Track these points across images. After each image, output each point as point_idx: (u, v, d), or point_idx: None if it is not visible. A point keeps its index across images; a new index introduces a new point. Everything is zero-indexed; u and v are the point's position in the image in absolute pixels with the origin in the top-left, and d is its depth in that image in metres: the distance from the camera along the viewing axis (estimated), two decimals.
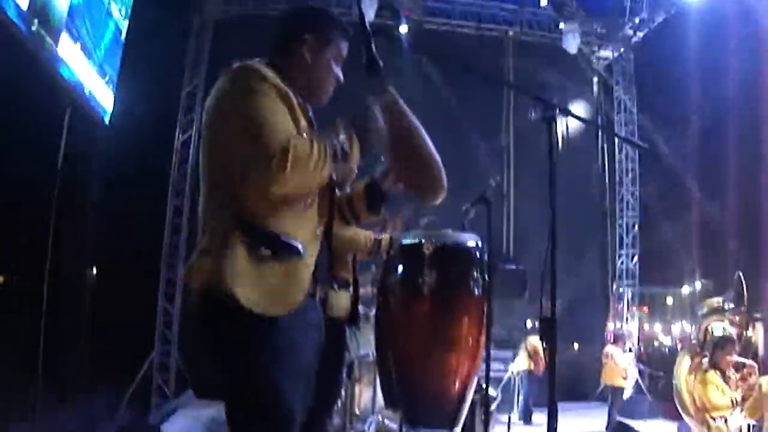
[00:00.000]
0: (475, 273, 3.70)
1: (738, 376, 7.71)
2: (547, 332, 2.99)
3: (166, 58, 12.31)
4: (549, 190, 2.95)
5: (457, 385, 3.71)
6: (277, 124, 2.56)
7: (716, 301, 8.84)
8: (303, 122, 2.75)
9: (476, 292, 3.68)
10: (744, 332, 8.51)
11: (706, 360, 7.83)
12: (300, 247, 2.64)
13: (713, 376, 7.66)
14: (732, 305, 8.33)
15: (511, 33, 14.36)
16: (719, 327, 8.18)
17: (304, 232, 2.69)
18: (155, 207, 12.55)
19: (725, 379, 7.68)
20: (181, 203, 12.53)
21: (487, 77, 3.47)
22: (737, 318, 8.50)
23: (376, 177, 2.96)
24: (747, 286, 8.82)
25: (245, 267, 2.55)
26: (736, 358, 7.83)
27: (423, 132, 2.94)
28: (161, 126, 12.74)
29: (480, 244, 3.81)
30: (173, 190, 12.61)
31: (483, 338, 3.79)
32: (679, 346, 17.82)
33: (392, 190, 2.97)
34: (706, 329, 8.20)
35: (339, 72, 2.95)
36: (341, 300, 4.17)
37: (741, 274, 8.94)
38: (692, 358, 8.17)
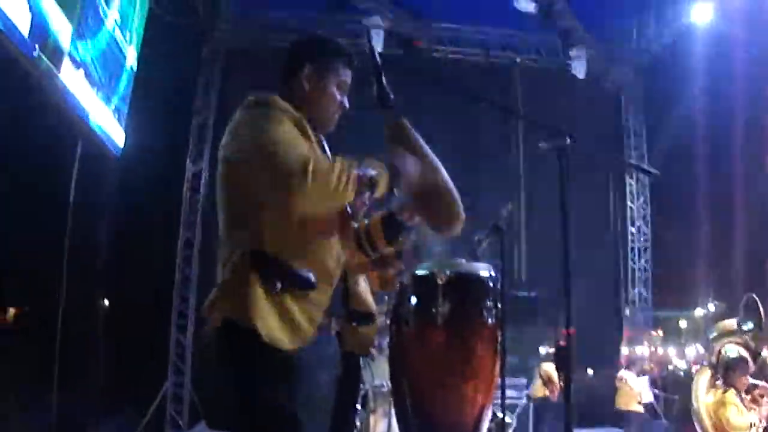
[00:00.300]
0: (488, 302, 3.69)
1: (749, 397, 7.63)
2: (562, 360, 2.99)
3: (176, 88, 12.38)
4: (561, 221, 2.95)
5: (472, 414, 3.70)
6: (294, 145, 2.60)
7: (729, 323, 8.80)
8: (317, 148, 2.78)
9: (490, 322, 3.67)
10: (759, 353, 8.42)
11: (720, 382, 7.73)
12: (313, 278, 2.65)
13: (732, 396, 7.56)
14: (750, 326, 8.28)
15: (519, 59, 14.40)
16: (733, 349, 8.07)
17: (321, 265, 2.71)
18: (167, 238, 12.58)
19: (741, 400, 7.58)
20: (192, 235, 12.56)
21: (496, 105, 3.49)
22: (752, 340, 8.45)
23: (393, 208, 2.97)
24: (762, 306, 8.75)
25: (263, 301, 2.58)
26: (750, 379, 7.73)
27: (437, 162, 2.95)
28: (172, 157, 12.78)
29: (493, 273, 3.81)
30: (184, 221, 12.64)
31: (497, 367, 3.79)
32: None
33: (409, 222, 2.98)
34: (719, 351, 8.11)
35: (344, 99, 2.98)
36: (357, 334, 4.18)
37: (755, 295, 8.91)
38: (709, 381, 8.02)
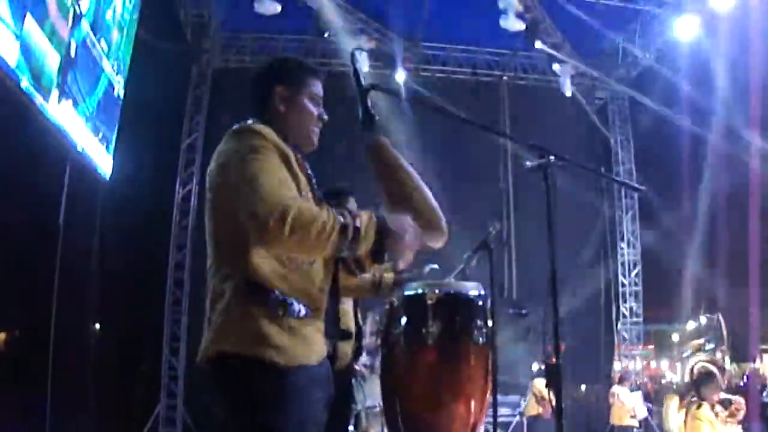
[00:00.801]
0: (479, 321, 3.70)
1: (727, 413, 7.77)
2: (553, 378, 3.00)
3: (164, 111, 12.40)
4: (548, 238, 2.97)
5: None
6: (278, 186, 2.59)
7: (697, 342, 9.08)
8: (302, 178, 2.79)
9: (481, 341, 3.68)
10: (725, 369, 8.61)
11: (694, 399, 7.89)
12: (304, 308, 2.67)
13: (705, 410, 7.71)
14: (712, 345, 8.56)
15: (506, 78, 14.48)
16: (702, 365, 8.24)
17: (311, 288, 2.73)
18: (157, 260, 12.57)
19: (716, 415, 7.75)
20: (182, 258, 12.56)
21: (482, 126, 3.51)
22: (718, 355, 8.67)
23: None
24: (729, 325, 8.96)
25: (270, 327, 2.59)
26: (722, 394, 7.92)
27: (417, 178, 2.98)
28: (161, 179, 12.79)
29: (483, 292, 3.82)
30: (175, 244, 12.64)
31: (489, 386, 3.80)
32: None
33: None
34: (692, 369, 8.31)
35: (321, 110, 3.00)
36: (344, 350, 4.19)
37: (720, 315, 9.23)
38: (681, 399, 8.35)
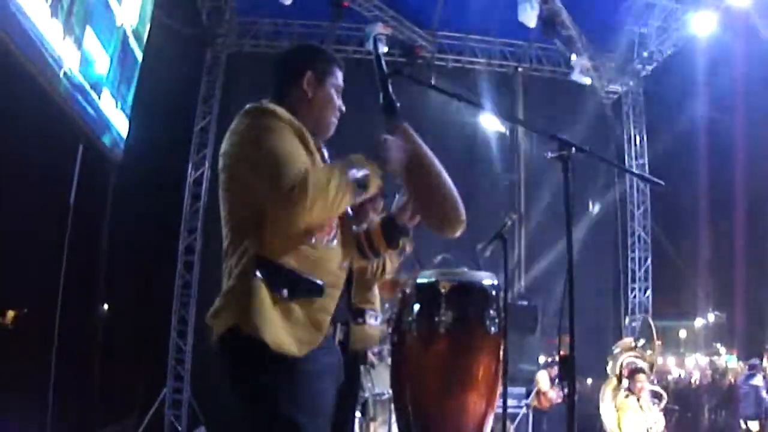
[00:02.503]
0: (491, 311, 3.69)
1: (660, 406, 9.02)
2: (566, 370, 2.98)
3: (178, 94, 12.38)
4: (566, 229, 2.95)
5: (474, 422, 3.70)
6: (293, 157, 2.62)
7: (628, 340, 9.93)
8: (317, 157, 2.79)
9: (492, 330, 3.67)
10: (654, 364, 9.70)
11: (623, 390, 8.99)
12: (320, 283, 2.66)
13: (631, 401, 8.85)
14: (642, 342, 9.48)
15: (521, 69, 14.44)
16: (630, 360, 9.37)
17: (327, 270, 2.72)
18: (168, 244, 12.57)
19: (640, 405, 8.88)
20: (193, 241, 12.56)
21: (501, 115, 3.48)
22: (648, 353, 9.41)
23: (393, 211, 2.99)
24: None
25: (270, 308, 2.58)
26: (648, 386, 9.11)
27: (439, 165, 2.96)
28: (174, 162, 12.79)
29: (496, 282, 3.81)
30: (185, 227, 12.64)
31: (499, 376, 3.79)
32: (693, 379, 17.74)
33: (410, 224, 3.00)
34: (621, 363, 9.34)
35: (341, 102, 3.00)
36: (364, 332, 4.19)
37: (649, 317, 10.25)
38: (612, 390, 9.32)
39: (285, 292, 2.61)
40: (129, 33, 9.63)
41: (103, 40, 8.69)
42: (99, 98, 8.88)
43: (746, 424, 13.31)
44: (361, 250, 2.99)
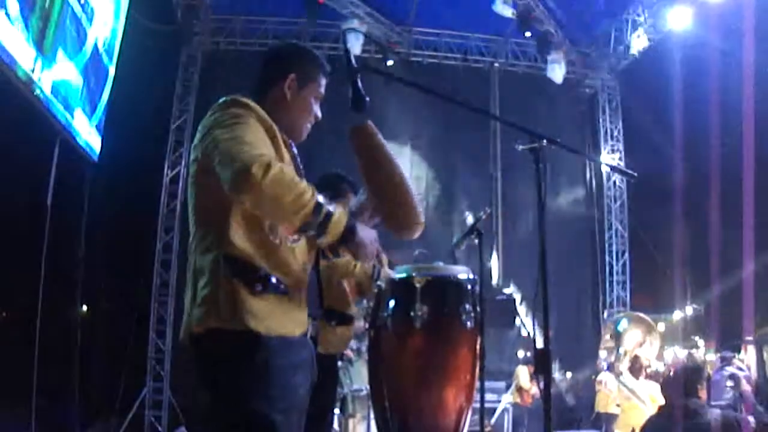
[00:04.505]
0: (467, 305, 3.69)
1: None
2: (542, 364, 2.99)
3: (154, 93, 12.33)
4: (538, 222, 2.96)
5: (451, 418, 3.70)
6: (260, 146, 2.58)
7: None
8: (287, 156, 2.77)
9: (469, 325, 3.67)
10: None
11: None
12: (283, 285, 2.65)
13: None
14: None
15: (497, 64, 14.47)
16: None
17: (290, 269, 2.70)
18: (145, 243, 12.51)
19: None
20: (170, 239, 12.50)
21: (474, 109, 3.48)
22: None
23: (351, 210, 2.98)
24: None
25: (251, 300, 2.57)
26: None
27: (400, 168, 2.96)
28: (150, 161, 12.72)
29: (471, 276, 3.81)
30: (162, 225, 12.58)
31: (477, 370, 3.79)
32: (671, 372, 17.76)
33: (369, 224, 2.99)
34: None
35: (318, 110, 2.98)
36: (336, 335, 4.17)
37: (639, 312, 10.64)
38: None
39: (259, 286, 2.60)
40: (101, 50, 9.62)
41: (75, 62, 8.71)
42: (72, 117, 8.89)
43: None
44: (320, 249, 2.97)
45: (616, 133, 15.18)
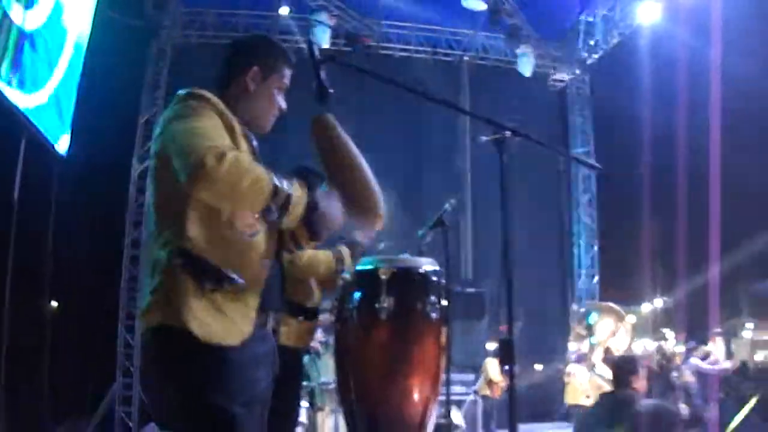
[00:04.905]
0: (432, 297, 3.69)
1: None
2: (506, 353, 2.99)
3: (123, 86, 12.25)
4: (502, 215, 2.97)
5: (417, 409, 3.70)
6: (214, 136, 2.55)
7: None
8: (245, 148, 2.75)
9: (434, 317, 3.68)
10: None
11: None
12: (239, 279, 2.63)
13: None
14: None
15: (467, 57, 14.49)
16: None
17: (249, 263, 2.68)
18: (114, 238, 12.44)
19: None
20: (139, 235, 12.41)
21: (438, 100, 3.47)
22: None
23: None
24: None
25: (196, 300, 2.54)
26: None
27: (361, 160, 2.94)
28: (119, 155, 12.64)
29: (437, 268, 3.81)
30: (131, 221, 12.50)
31: (442, 362, 3.79)
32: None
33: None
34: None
35: (282, 102, 2.96)
36: (301, 329, 4.16)
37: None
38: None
39: (209, 284, 2.58)
40: (72, 48, 9.59)
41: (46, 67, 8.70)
42: (39, 113, 8.85)
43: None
44: (282, 242, 2.94)
45: (585, 127, 15.25)
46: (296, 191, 2.56)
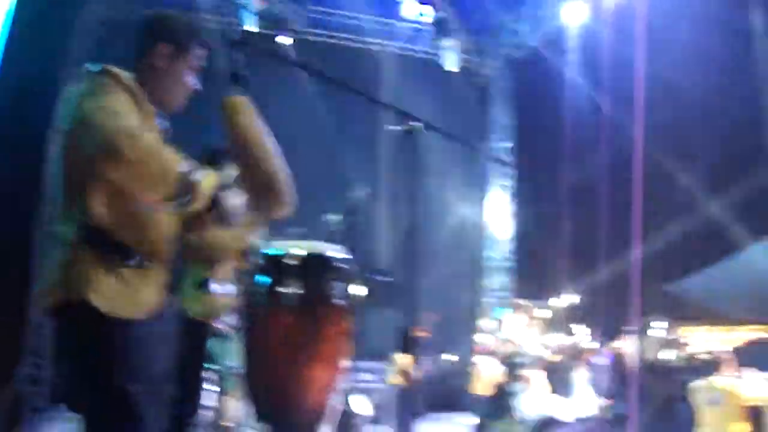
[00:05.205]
0: (340, 284, 3.70)
1: None
2: (409, 347, 3.02)
3: (46, 62, 12.01)
4: (409, 201, 2.99)
5: (321, 395, 3.71)
6: (121, 116, 2.53)
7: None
8: (153, 130, 2.73)
9: (341, 304, 3.68)
10: None
11: None
12: (143, 256, 2.62)
13: None
14: None
15: (391, 48, 14.51)
16: None
17: (154, 240, 2.67)
18: (24, 216, 12.21)
19: None
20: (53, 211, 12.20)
21: (352, 89, 3.48)
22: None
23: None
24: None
25: (100, 274, 2.53)
26: None
27: (271, 144, 2.95)
28: (41, 131, 12.40)
29: (345, 255, 3.81)
30: (44, 199, 12.29)
31: (348, 349, 3.80)
32: (552, 358, 18.18)
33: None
34: None
35: (195, 80, 2.94)
36: (209, 305, 4.15)
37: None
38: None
39: (114, 260, 2.57)
40: None
41: None
42: None
43: None
44: (186, 224, 2.94)
45: (505, 123, 15.40)
46: (204, 179, 2.55)
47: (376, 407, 10.65)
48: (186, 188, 2.51)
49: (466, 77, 14.98)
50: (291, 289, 3.57)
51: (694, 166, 14.94)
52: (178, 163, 2.49)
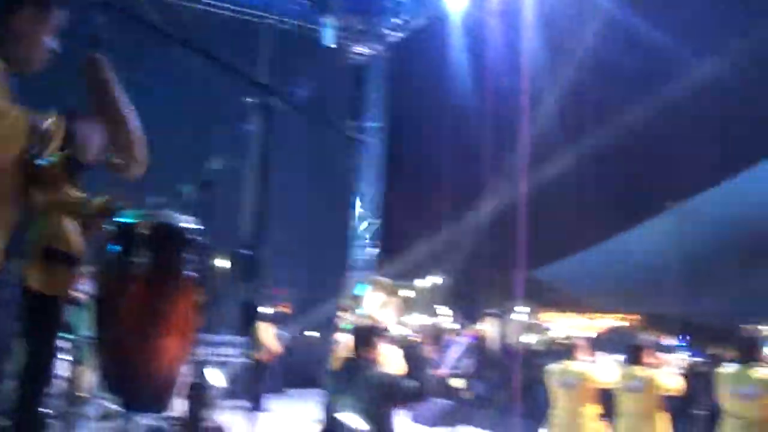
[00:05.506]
0: (192, 255, 3.67)
1: None
2: (247, 317, 3.03)
3: None
4: (260, 176, 2.99)
5: (169, 366, 3.68)
6: None
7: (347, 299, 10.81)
8: (4, 89, 2.68)
9: (191, 275, 3.65)
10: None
11: None
12: None
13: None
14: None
15: (268, 20, 14.37)
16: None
17: None
18: None
19: None
20: None
21: (213, 59, 3.44)
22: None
23: (75, 148, 2.93)
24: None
25: None
26: None
27: (126, 105, 2.95)
28: None
29: (198, 226, 3.78)
30: None
31: (197, 321, 3.78)
32: (416, 339, 18.39)
33: (92, 162, 2.95)
34: None
35: (54, 43, 2.89)
36: (59, 276, 4.05)
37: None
38: None
39: None
40: None
41: None
42: None
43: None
44: (39, 184, 2.87)
45: (378, 103, 15.45)
46: (51, 124, 2.53)
47: (233, 381, 10.59)
48: (38, 137, 2.47)
49: (342, 55, 14.98)
50: (141, 259, 3.53)
51: (570, 156, 15.31)
52: (27, 116, 2.45)
